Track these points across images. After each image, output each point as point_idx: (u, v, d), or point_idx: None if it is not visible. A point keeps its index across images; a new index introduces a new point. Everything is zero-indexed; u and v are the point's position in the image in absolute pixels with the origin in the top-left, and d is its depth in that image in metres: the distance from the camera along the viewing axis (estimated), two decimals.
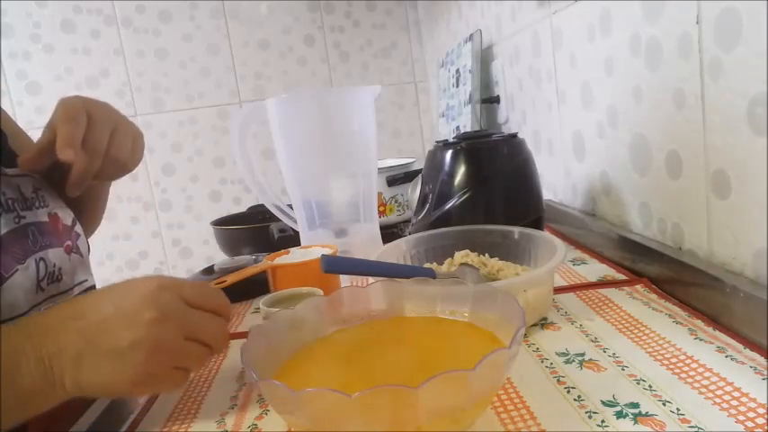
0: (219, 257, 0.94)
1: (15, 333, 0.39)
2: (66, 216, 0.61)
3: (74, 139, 0.52)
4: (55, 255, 0.56)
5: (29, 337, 0.38)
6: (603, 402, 0.38)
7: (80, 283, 0.60)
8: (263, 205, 0.92)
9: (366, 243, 0.81)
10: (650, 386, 0.39)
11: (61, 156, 0.51)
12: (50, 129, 0.54)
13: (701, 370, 0.41)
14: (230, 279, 0.59)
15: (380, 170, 1.00)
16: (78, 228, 0.62)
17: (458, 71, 1.25)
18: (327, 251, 0.68)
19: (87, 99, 0.56)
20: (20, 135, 0.67)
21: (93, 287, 0.64)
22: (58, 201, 0.60)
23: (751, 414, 0.35)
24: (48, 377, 0.38)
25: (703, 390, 0.38)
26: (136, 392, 0.41)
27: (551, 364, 0.45)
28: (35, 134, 0.58)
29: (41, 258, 0.54)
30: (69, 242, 0.59)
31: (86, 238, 0.64)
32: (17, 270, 0.50)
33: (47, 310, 0.43)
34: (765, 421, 0.34)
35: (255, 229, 1.01)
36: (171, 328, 0.39)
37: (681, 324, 0.48)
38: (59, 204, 0.60)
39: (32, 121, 1.65)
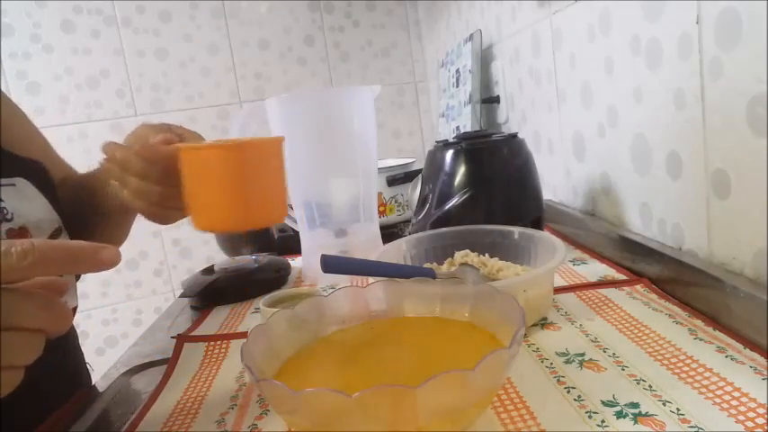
0: (220, 257, 0.94)
1: None
2: (41, 231, 0.54)
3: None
4: None
5: None
6: (603, 402, 0.38)
7: None
8: None
9: (366, 243, 0.81)
10: (650, 386, 0.39)
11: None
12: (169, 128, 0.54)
13: (700, 370, 0.41)
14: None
15: (380, 170, 1.00)
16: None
17: (458, 71, 1.25)
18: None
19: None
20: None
21: (73, 309, 0.60)
22: (38, 210, 0.54)
23: (751, 414, 0.35)
24: None
25: (703, 390, 0.38)
26: None
27: (551, 364, 0.45)
28: None
29: None
30: None
31: None
32: None
33: None
34: (765, 421, 0.34)
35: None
36: None
37: (681, 324, 0.48)
38: (39, 215, 0.54)
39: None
